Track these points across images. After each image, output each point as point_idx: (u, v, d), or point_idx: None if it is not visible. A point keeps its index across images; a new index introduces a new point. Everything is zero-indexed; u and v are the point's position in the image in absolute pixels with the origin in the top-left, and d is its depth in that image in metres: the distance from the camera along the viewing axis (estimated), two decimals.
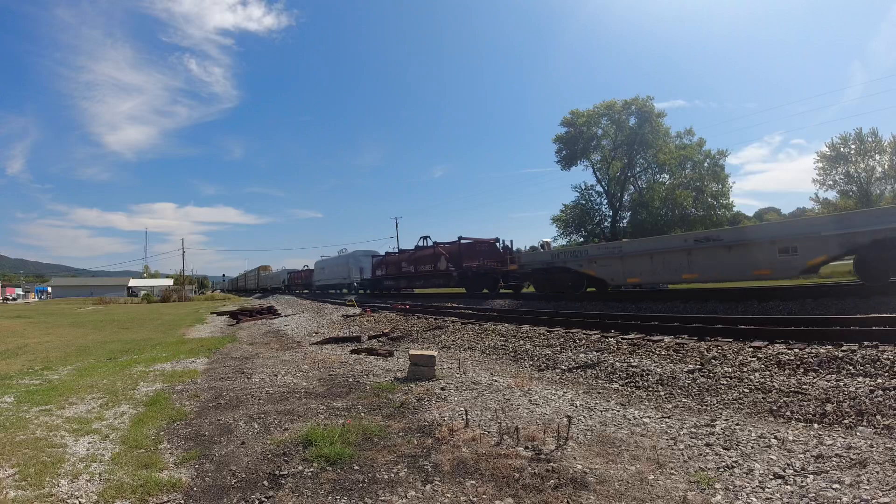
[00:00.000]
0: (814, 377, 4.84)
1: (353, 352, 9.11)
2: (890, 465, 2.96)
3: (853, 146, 36.66)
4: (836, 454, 3.21)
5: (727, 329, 6.91)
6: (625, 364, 6.24)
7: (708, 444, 3.56)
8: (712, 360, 5.77)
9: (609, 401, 5.02)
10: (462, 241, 23.27)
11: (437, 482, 3.14)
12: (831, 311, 8.44)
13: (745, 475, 3.01)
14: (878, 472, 2.88)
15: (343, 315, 16.27)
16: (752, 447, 3.44)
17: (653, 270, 13.30)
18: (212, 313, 24.36)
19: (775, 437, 3.58)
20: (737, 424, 3.96)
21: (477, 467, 3.32)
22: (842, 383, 4.56)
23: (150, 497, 3.11)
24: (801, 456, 3.24)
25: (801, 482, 2.85)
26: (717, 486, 2.89)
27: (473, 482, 3.11)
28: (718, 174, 38.03)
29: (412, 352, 6.56)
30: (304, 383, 6.40)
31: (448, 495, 2.95)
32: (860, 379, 4.59)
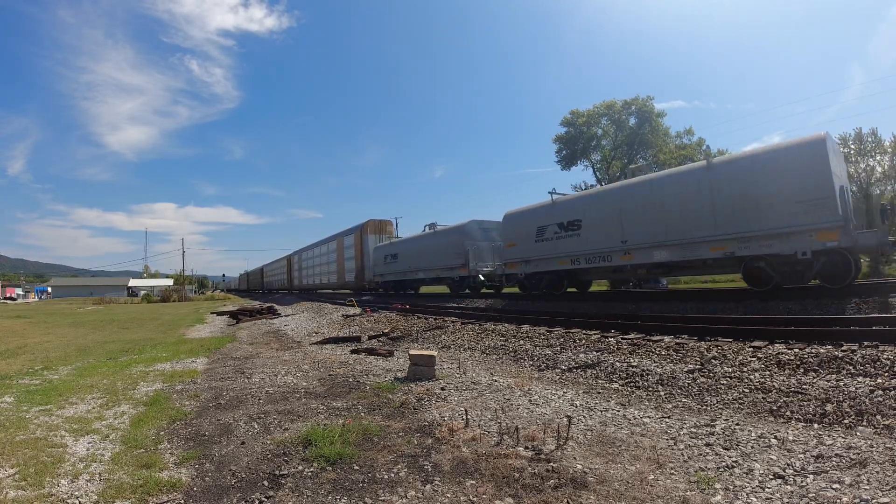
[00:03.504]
0: (814, 377, 4.84)
1: (353, 352, 9.11)
2: (890, 465, 2.96)
3: (853, 146, 36.65)
4: (836, 454, 3.21)
5: (727, 329, 6.91)
6: (625, 364, 6.24)
7: (708, 444, 3.56)
8: (712, 360, 5.77)
9: (609, 401, 5.02)
10: None
11: (437, 482, 3.14)
12: (831, 311, 8.43)
13: (745, 475, 3.01)
14: (878, 472, 2.88)
15: (343, 315, 16.27)
16: (752, 447, 3.44)
17: None
18: (212, 313, 24.36)
19: (775, 437, 3.58)
20: (737, 424, 3.96)
21: (477, 467, 3.32)
22: (842, 383, 4.57)
23: (150, 497, 3.11)
24: (801, 456, 3.24)
25: (801, 482, 2.85)
26: (717, 486, 2.89)
27: (473, 482, 3.11)
28: None
29: (412, 352, 6.56)
30: (304, 383, 6.40)
31: (448, 495, 2.95)
32: (860, 379, 4.59)
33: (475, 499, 2.89)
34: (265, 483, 3.26)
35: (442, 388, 5.64)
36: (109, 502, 3.05)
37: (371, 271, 29.08)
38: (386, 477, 3.25)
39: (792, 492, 2.74)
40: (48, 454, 3.91)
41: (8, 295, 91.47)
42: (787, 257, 9.80)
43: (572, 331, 8.56)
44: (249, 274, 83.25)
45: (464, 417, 4.39)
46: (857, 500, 2.56)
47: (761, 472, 3.03)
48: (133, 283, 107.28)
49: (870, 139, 35.63)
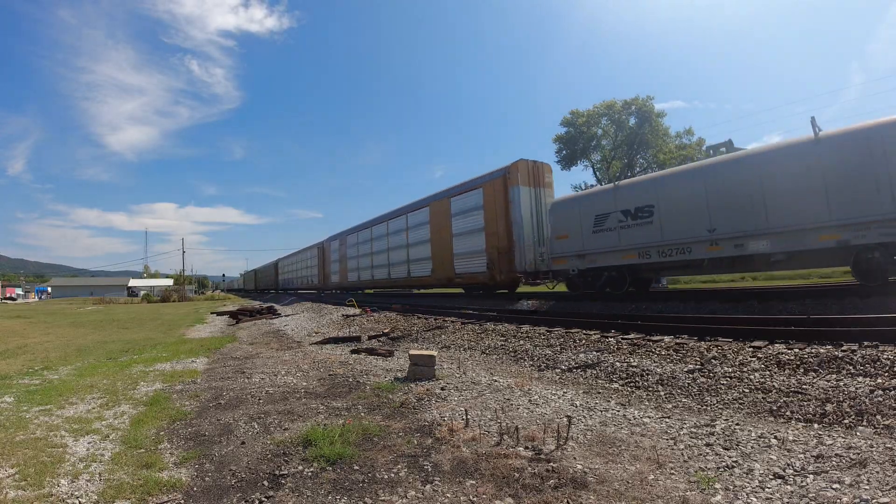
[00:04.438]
0: (814, 377, 4.84)
1: (353, 352, 9.11)
2: (890, 465, 2.97)
3: None
4: (836, 454, 3.21)
5: (727, 329, 6.91)
6: (625, 364, 6.24)
7: (708, 444, 3.56)
8: (712, 360, 5.77)
9: (609, 401, 5.02)
10: None
11: (437, 482, 3.14)
12: (831, 311, 8.43)
13: (745, 475, 3.01)
14: (878, 472, 2.88)
15: (343, 315, 16.28)
16: (752, 447, 3.44)
17: None
18: (212, 313, 24.38)
19: (775, 437, 3.58)
20: (737, 424, 3.96)
21: (477, 467, 3.32)
22: (842, 383, 4.57)
23: (150, 497, 3.11)
24: (801, 456, 3.24)
25: (801, 482, 2.85)
26: (717, 486, 2.89)
27: (473, 482, 3.11)
28: None
29: (412, 352, 6.56)
30: (304, 383, 6.40)
31: (448, 495, 2.95)
32: (860, 379, 4.59)
33: (475, 499, 2.89)
34: (265, 483, 3.26)
35: (442, 388, 5.64)
36: (109, 502, 3.05)
37: (529, 252, 15.62)
38: (386, 477, 3.25)
39: (792, 492, 2.74)
40: (48, 454, 3.91)
41: (8, 295, 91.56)
42: None
43: (572, 331, 8.56)
44: (258, 271, 71.37)
45: (464, 417, 4.39)
46: (857, 500, 2.56)
47: (761, 472, 3.03)
48: (133, 283, 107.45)
49: None
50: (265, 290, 64.29)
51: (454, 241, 18.95)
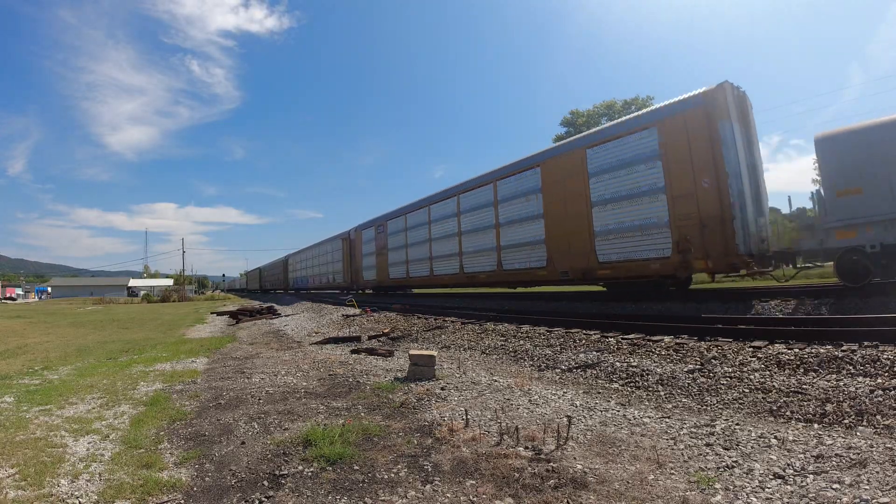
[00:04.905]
0: (814, 377, 4.85)
1: (353, 352, 9.11)
2: (890, 465, 2.97)
3: None
4: (836, 454, 3.21)
5: (727, 329, 6.91)
6: (625, 364, 6.24)
7: (708, 444, 3.56)
8: (712, 360, 5.77)
9: (609, 401, 5.02)
10: None
11: (437, 482, 3.14)
12: (831, 311, 8.44)
13: (745, 475, 3.01)
14: (878, 472, 2.88)
15: (343, 315, 16.28)
16: (752, 447, 3.44)
17: None
18: (212, 313, 24.38)
19: (775, 437, 3.58)
20: (737, 424, 3.96)
21: (477, 467, 3.32)
22: (842, 383, 4.57)
23: (150, 497, 3.11)
24: (801, 456, 3.24)
25: (801, 482, 2.85)
26: (717, 486, 2.89)
27: (473, 482, 3.11)
28: None
29: (412, 352, 6.56)
30: (304, 383, 6.40)
31: (448, 495, 2.95)
32: (860, 379, 4.59)
33: (475, 499, 2.89)
34: (265, 483, 3.26)
35: (442, 388, 5.64)
36: (109, 502, 3.05)
37: (751, 224, 9.96)
38: (386, 477, 3.26)
39: (792, 492, 2.74)
40: (48, 454, 3.91)
41: (8, 295, 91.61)
42: None
43: (572, 331, 8.56)
44: (263, 269, 65.05)
45: (464, 417, 4.39)
46: (857, 500, 2.57)
47: (761, 472, 3.03)
48: (133, 283, 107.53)
49: None
50: (271, 290, 58.06)
51: (595, 213, 12.47)
